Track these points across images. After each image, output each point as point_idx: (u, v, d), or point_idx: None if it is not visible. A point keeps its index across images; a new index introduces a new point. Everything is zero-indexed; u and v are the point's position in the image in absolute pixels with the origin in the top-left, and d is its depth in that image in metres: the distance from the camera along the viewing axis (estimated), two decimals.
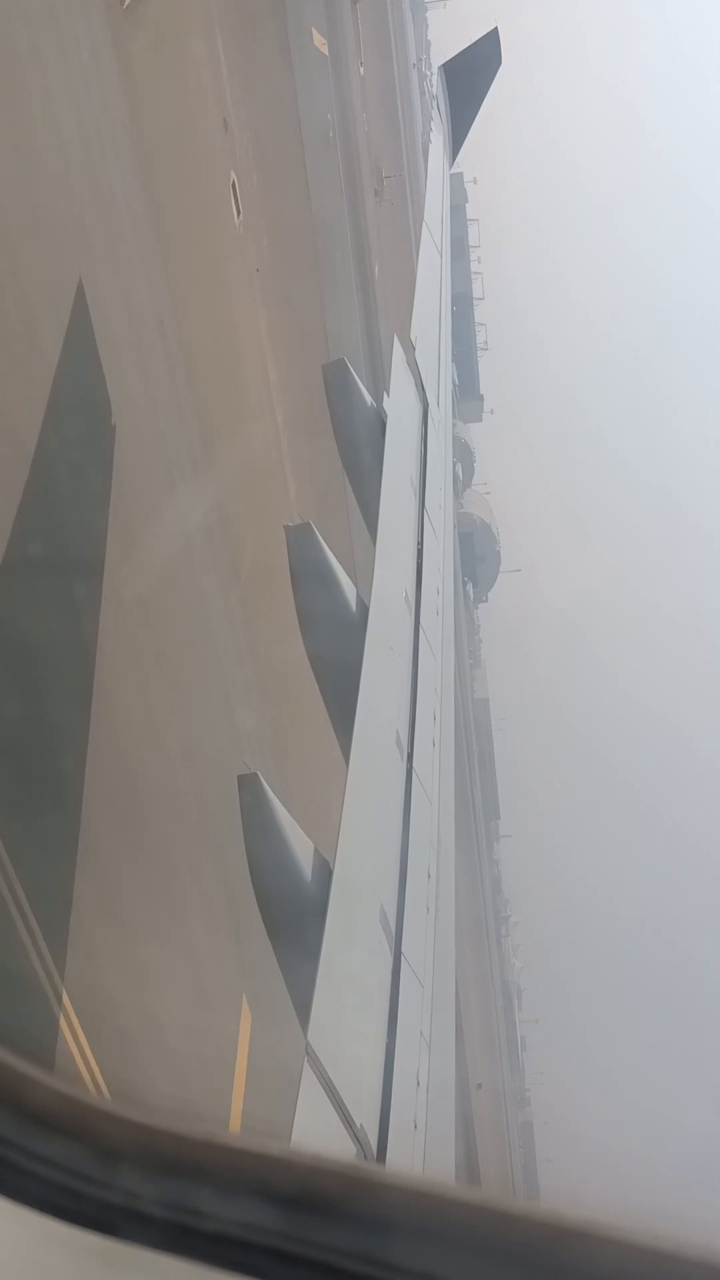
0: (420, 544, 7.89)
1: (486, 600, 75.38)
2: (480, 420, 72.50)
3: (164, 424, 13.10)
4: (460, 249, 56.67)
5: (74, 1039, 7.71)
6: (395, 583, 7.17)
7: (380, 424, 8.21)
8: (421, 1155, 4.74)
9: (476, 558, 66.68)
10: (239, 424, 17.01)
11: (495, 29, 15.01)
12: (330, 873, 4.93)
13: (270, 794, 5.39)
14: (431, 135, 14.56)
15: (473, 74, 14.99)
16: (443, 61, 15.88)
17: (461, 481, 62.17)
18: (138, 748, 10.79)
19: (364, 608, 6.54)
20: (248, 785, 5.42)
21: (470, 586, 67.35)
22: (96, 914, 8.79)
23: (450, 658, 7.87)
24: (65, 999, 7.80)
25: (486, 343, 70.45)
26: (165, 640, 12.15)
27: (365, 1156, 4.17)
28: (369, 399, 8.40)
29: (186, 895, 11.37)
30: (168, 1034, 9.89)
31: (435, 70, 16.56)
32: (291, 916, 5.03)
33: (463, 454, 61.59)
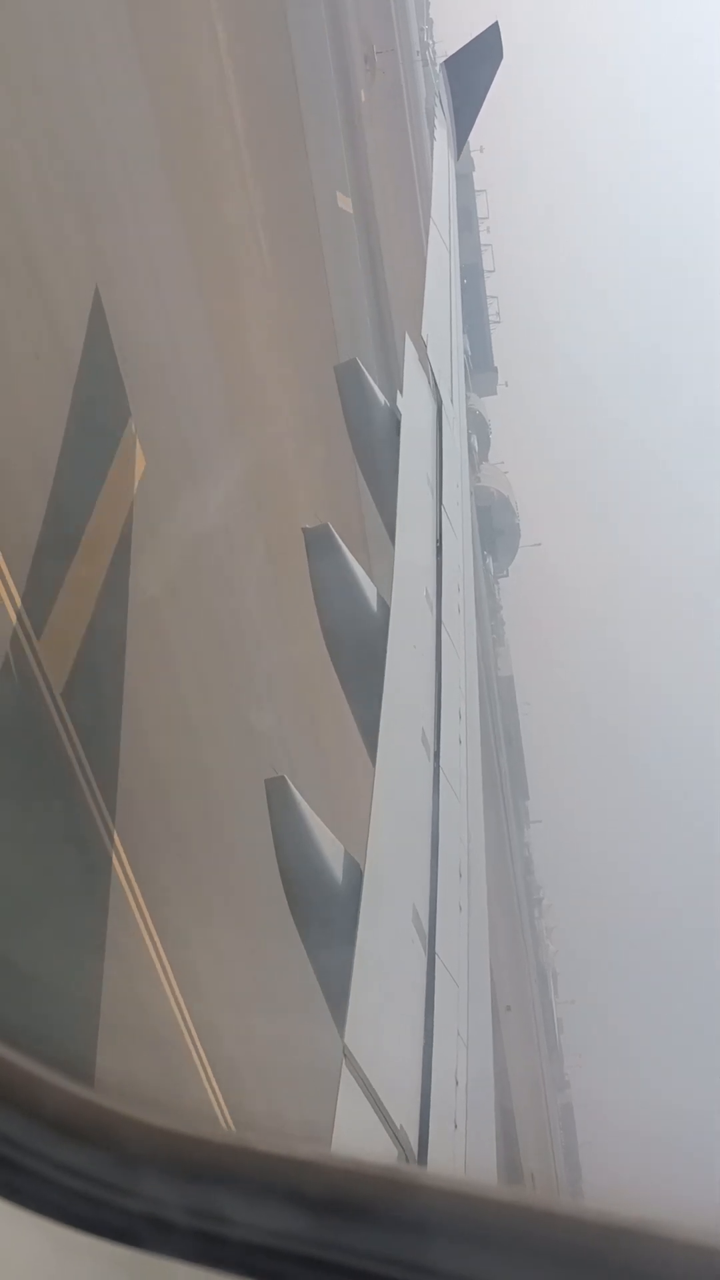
0: (439, 541, 7.89)
1: (507, 575, 74.91)
2: (495, 394, 72.11)
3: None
4: (468, 220, 56.20)
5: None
6: (416, 581, 7.16)
7: (395, 423, 8.21)
8: (463, 1154, 4.73)
9: (495, 531, 66.14)
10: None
11: (496, 23, 15.00)
12: (361, 874, 4.93)
13: (298, 797, 5.39)
14: (435, 132, 14.56)
15: (475, 69, 15.00)
16: (445, 58, 15.89)
17: (477, 454, 61.74)
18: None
19: (385, 608, 6.54)
20: (275, 789, 5.43)
21: (490, 561, 66.80)
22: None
23: (474, 655, 7.86)
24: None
25: (499, 315, 70.14)
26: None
27: (406, 1157, 4.16)
28: (382, 398, 8.40)
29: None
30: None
31: (440, 65, 16.55)
32: (323, 919, 5.03)
33: (478, 426, 61.16)
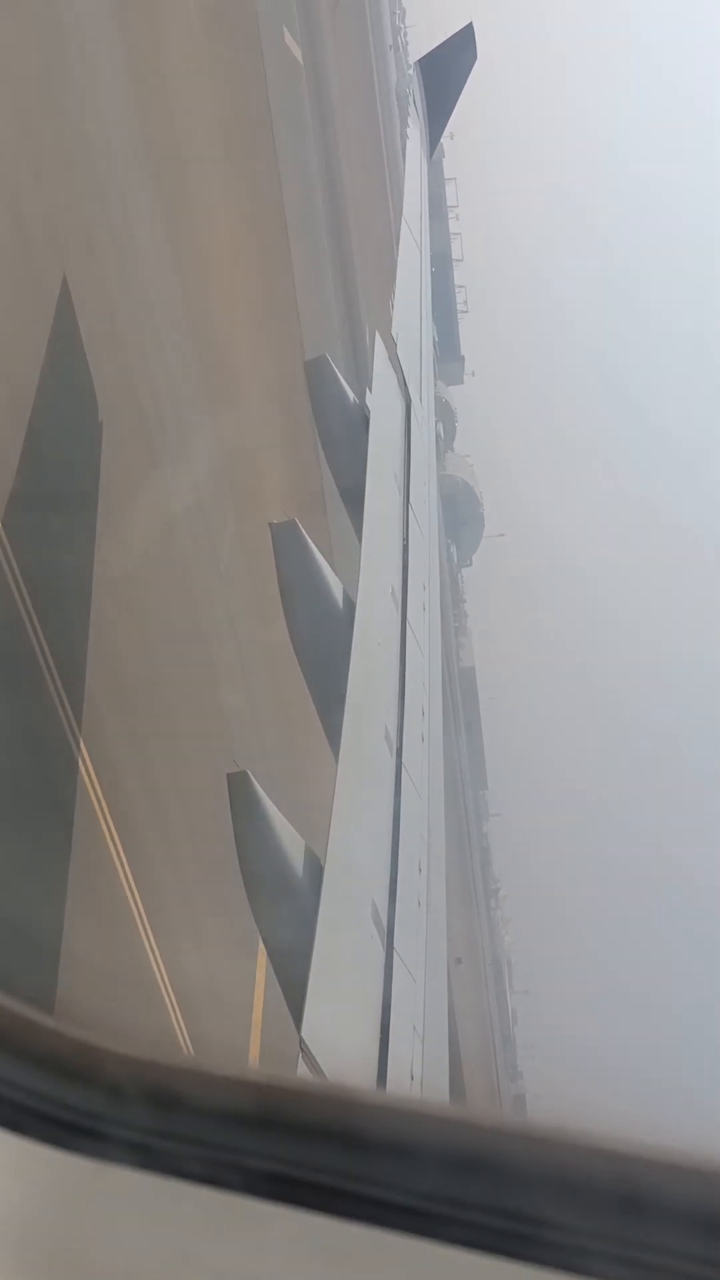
0: (405, 540, 7.93)
1: (470, 564, 74.74)
2: (461, 383, 71.99)
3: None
4: (438, 207, 56.07)
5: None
6: (381, 579, 7.19)
7: (363, 420, 8.23)
8: None
9: (460, 520, 65.87)
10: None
11: (470, 24, 15.01)
12: (321, 869, 4.96)
13: (260, 792, 5.41)
14: (409, 131, 14.57)
15: (448, 69, 15.00)
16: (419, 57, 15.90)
17: (443, 442, 61.65)
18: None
19: (351, 604, 6.56)
20: (237, 783, 5.44)
21: (454, 550, 66.62)
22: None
23: (438, 652, 7.90)
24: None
25: (467, 304, 70.04)
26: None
27: None
28: (351, 395, 8.42)
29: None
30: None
31: (414, 64, 16.54)
32: (283, 913, 5.05)
33: (444, 415, 60.99)
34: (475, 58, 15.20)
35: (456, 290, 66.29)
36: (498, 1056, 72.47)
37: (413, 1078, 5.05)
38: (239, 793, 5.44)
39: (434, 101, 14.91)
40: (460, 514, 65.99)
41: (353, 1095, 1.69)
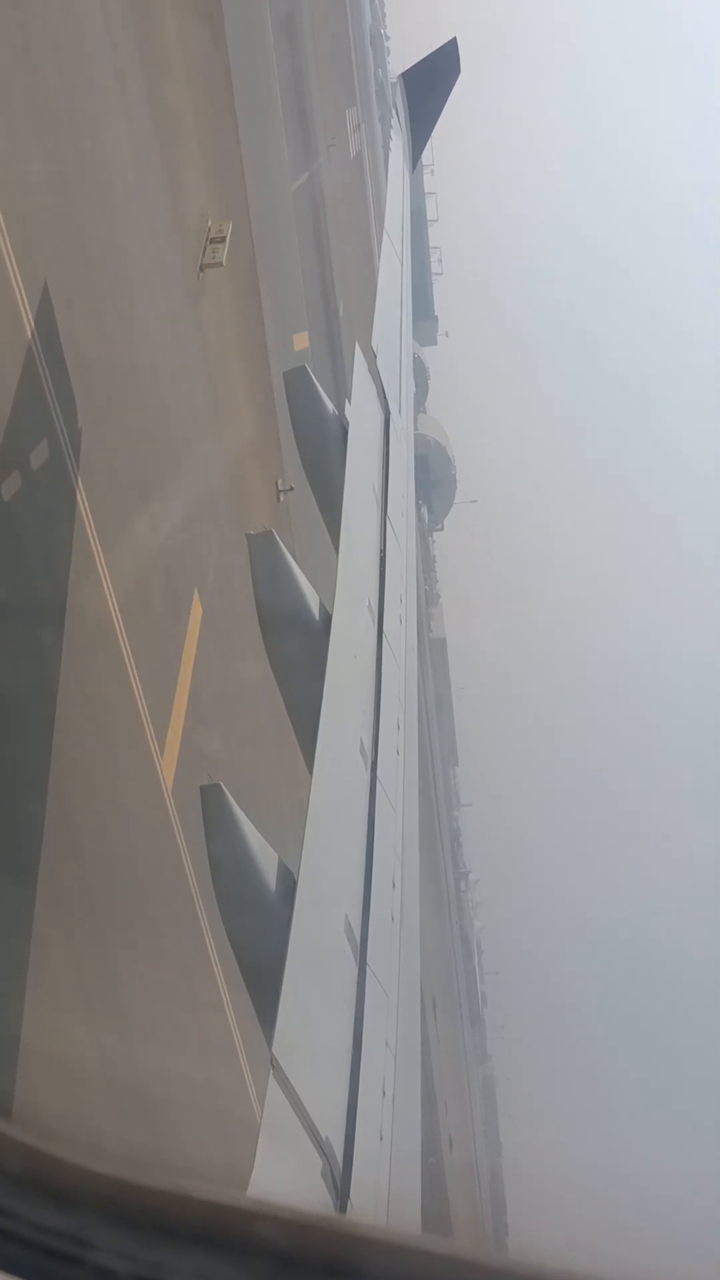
0: (383, 551, 7.90)
1: (442, 528, 74.09)
2: (435, 344, 71.54)
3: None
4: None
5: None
6: (358, 590, 7.16)
7: (342, 430, 8.21)
8: (388, 1166, 4.73)
9: (431, 482, 65.04)
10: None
11: (454, 39, 15.04)
12: (295, 883, 4.92)
13: (234, 804, 5.37)
14: (391, 143, 14.58)
15: (432, 83, 15.02)
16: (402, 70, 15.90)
17: (416, 400, 60.98)
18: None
19: (327, 615, 6.53)
20: (211, 796, 5.39)
21: (425, 512, 65.91)
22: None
23: (414, 665, 7.87)
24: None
25: (442, 265, 69.82)
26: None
27: (331, 1170, 4.15)
28: (330, 405, 8.40)
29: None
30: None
31: (397, 78, 16.54)
32: (255, 928, 5.01)
33: (418, 372, 60.44)
34: (459, 72, 15.21)
35: (431, 251, 66.00)
36: (468, 1054, 72.56)
37: (385, 1094, 5.00)
38: (212, 805, 5.39)
39: (417, 115, 14.90)
40: (433, 475, 65.17)
41: (369, 1234, 1.57)
